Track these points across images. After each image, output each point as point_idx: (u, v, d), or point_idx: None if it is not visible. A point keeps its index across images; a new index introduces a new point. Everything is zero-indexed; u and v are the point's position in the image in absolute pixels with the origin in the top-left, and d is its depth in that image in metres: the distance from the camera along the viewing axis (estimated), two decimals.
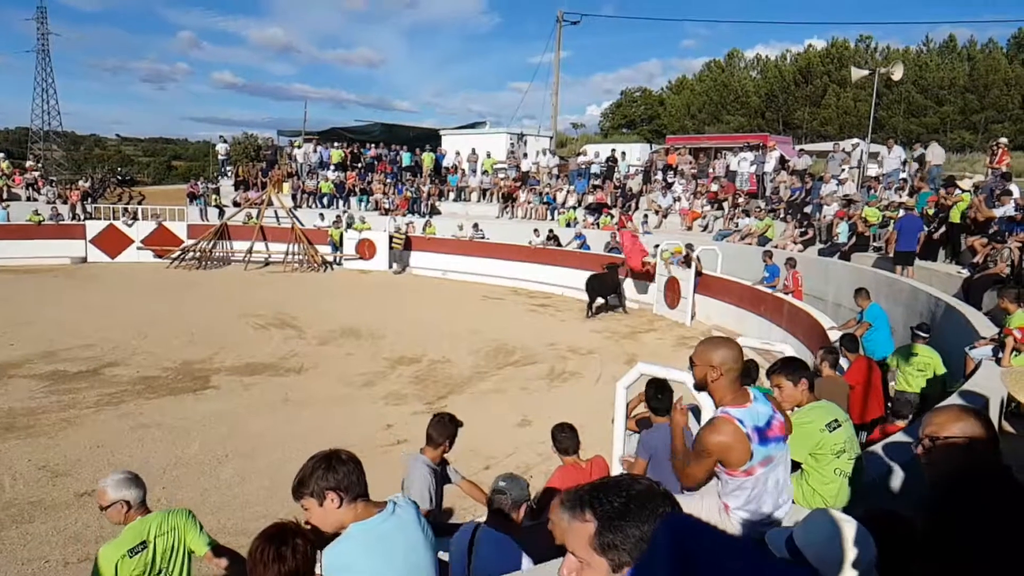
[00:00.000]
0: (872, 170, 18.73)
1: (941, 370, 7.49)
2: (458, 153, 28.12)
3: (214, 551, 3.66)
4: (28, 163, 31.57)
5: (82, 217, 24.60)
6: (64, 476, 7.44)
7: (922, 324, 8.21)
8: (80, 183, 28.99)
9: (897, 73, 20.62)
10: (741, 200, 19.84)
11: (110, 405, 9.69)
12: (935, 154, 16.96)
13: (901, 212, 13.50)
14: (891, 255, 13.07)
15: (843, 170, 18.10)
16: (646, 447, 4.83)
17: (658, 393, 4.98)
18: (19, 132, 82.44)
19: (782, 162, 20.74)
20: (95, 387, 10.42)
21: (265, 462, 7.94)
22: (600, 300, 17.06)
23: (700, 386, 3.06)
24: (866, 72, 22.49)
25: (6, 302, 16.37)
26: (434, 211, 25.48)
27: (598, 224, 21.69)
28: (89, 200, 26.34)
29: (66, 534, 6.28)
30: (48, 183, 27.69)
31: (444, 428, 4.60)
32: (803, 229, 16.53)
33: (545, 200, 24.14)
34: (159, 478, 7.35)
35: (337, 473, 2.56)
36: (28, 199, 25.56)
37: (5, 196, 24.98)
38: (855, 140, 21.76)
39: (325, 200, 26.44)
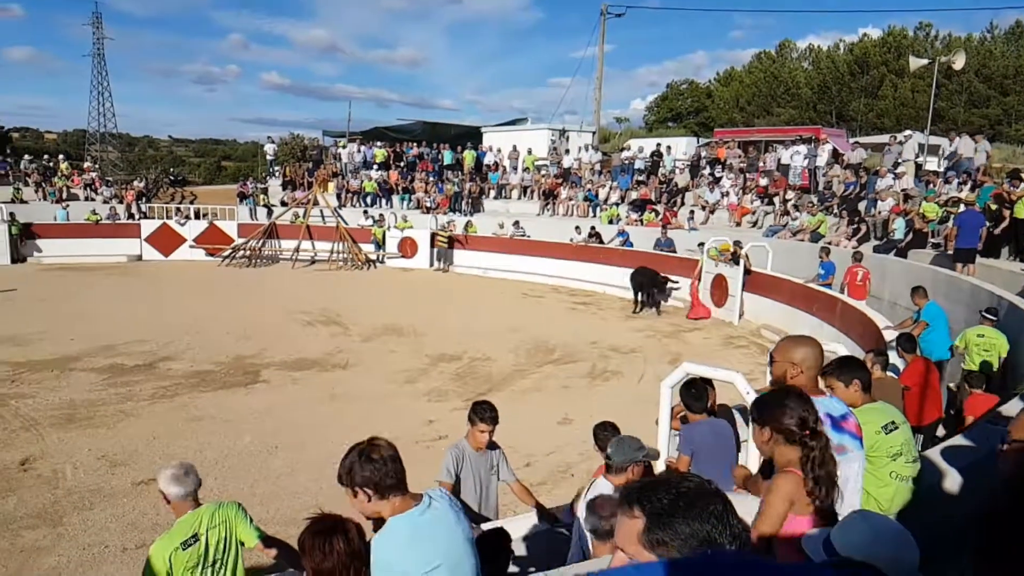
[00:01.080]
0: (932, 164, 18.19)
1: (1005, 351, 8.07)
2: (499, 150, 28.11)
3: (264, 542, 3.71)
4: (86, 164, 32.56)
5: (137, 216, 25.31)
6: (122, 466, 7.66)
7: (990, 308, 8.69)
8: (135, 183, 29.82)
9: (958, 62, 19.99)
10: (792, 195, 19.45)
11: (165, 398, 9.95)
12: (966, 146, 16.46)
13: (962, 207, 13.08)
14: (951, 252, 12.69)
15: (899, 164, 17.61)
16: (688, 442, 4.77)
17: (692, 389, 4.93)
18: (76, 134, 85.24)
19: (835, 155, 20.27)
20: (151, 380, 10.70)
21: (313, 454, 8.06)
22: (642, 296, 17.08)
23: (778, 383, 3.08)
24: (925, 61, 21.90)
25: (66, 298, 16.93)
26: (475, 209, 25.54)
27: (642, 221, 21.49)
28: (143, 200, 27.08)
29: (124, 521, 6.47)
30: (105, 183, 28.53)
31: (480, 411, 4.63)
32: (857, 225, 16.13)
33: (587, 197, 23.99)
34: (212, 468, 7.53)
35: (371, 466, 2.57)
36: (86, 199, 26.37)
37: (64, 196, 25.83)
38: (908, 132, 21.18)
39: (369, 199, 26.71)
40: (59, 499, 6.87)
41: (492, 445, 4.82)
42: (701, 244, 17.36)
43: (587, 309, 17.62)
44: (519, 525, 4.73)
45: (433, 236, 23.10)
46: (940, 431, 7.26)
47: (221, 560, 3.59)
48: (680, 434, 5.01)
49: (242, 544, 3.71)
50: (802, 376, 2.98)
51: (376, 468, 2.57)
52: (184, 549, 3.49)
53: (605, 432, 4.70)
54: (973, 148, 16.69)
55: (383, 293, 18.98)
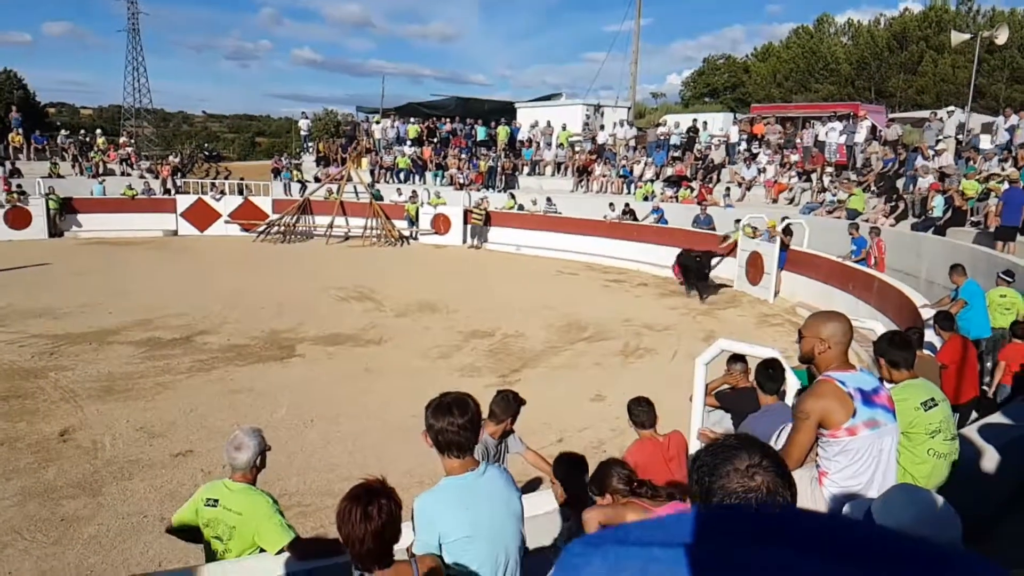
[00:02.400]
0: (982, 141, 17.79)
1: (1023, 308, 9.09)
2: (533, 126, 27.92)
3: (292, 547, 3.52)
4: (121, 139, 32.95)
5: (172, 191, 25.61)
6: (160, 437, 7.82)
7: (1008, 270, 9.51)
8: (170, 159, 30.16)
9: (1002, 37, 19.47)
10: (829, 171, 19.09)
11: (202, 371, 10.12)
12: (974, 124, 16.13)
13: (1005, 184, 12.75)
14: (992, 230, 12.39)
15: (940, 140, 17.20)
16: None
17: (769, 369, 4.86)
18: (112, 109, 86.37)
19: (873, 132, 19.83)
20: (188, 354, 10.88)
21: (347, 428, 8.17)
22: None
23: (806, 358, 3.08)
24: (967, 36, 21.30)
25: (104, 272, 17.25)
26: (509, 185, 25.45)
27: (677, 197, 21.26)
28: (179, 175, 27.39)
29: (162, 492, 6.61)
30: (141, 158, 28.90)
31: (508, 405, 4.60)
32: (894, 202, 15.80)
33: (621, 173, 23.76)
34: None
35: (439, 421, 2.67)
36: (122, 174, 26.75)
37: (101, 171, 26.23)
38: (951, 108, 20.66)
39: (402, 175, 26.76)
40: (98, 469, 7.02)
41: None
42: (738, 221, 17.16)
43: (620, 286, 17.52)
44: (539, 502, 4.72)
45: (467, 213, 23.09)
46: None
47: (223, 541, 3.57)
48: (742, 425, 4.94)
49: (263, 549, 3.56)
50: (829, 352, 2.96)
51: (441, 425, 2.66)
52: (205, 505, 3.62)
53: (640, 407, 4.69)
54: (981, 124, 16.40)
55: (416, 269, 19.05)
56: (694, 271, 16.14)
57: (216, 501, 3.59)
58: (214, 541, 3.59)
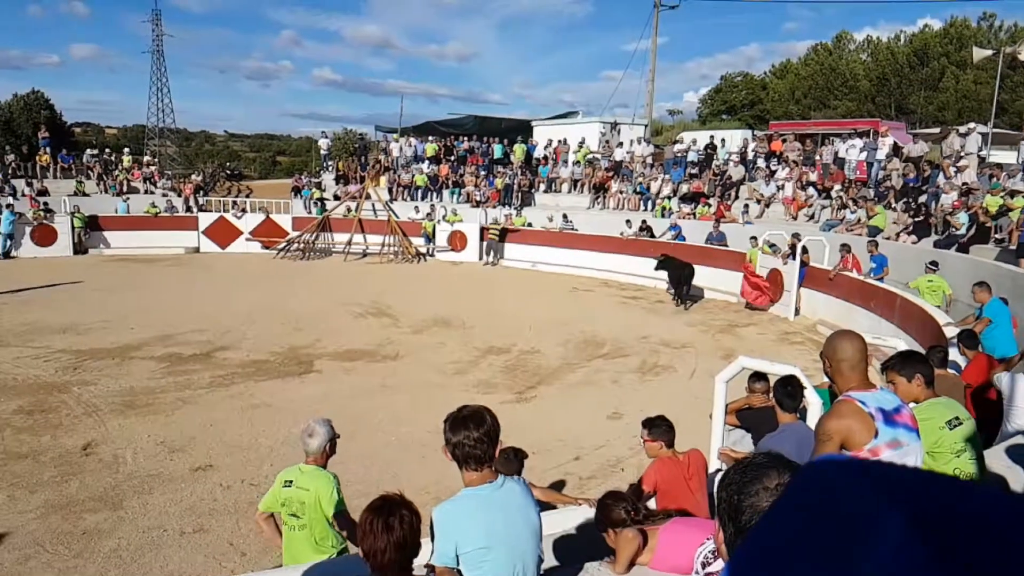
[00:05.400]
0: (997, 157, 17.65)
1: (948, 291, 11.21)
2: (549, 143, 27.99)
3: (338, 519, 4.08)
4: (145, 158, 33.42)
5: (195, 209, 25.90)
6: (180, 452, 7.86)
7: (933, 261, 11.65)
8: (192, 177, 30.52)
9: None
10: (849, 188, 18.97)
11: (222, 386, 10.18)
12: (957, 143, 16.17)
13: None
14: (1014, 247, 12.25)
15: (962, 157, 17.05)
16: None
17: (787, 386, 4.81)
18: (136, 129, 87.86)
19: (895, 149, 19.70)
20: (208, 369, 10.95)
21: (364, 443, 8.16)
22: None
23: (829, 379, 3.10)
24: (989, 52, 21.21)
25: (126, 289, 17.45)
26: (525, 203, 25.49)
27: (694, 214, 21.20)
28: (201, 193, 27.70)
29: (182, 506, 6.64)
30: (163, 177, 29.28)
31: (508, 463, 4.59)
32: (917, 219, 15.65)
33: (638, 190, 23.75)
34: (268, 455, 7.69)
35: (457, 436, 2.71)
36: (145, 192, 27.13)
37: (125, 189, 26.61)
38: (971, 124, 20.48)
39: (419, 193, 26.90)
40: (119, 483, 7.07)
41: None
42: (753, 238, 17.09)
43: (637, 303, 17.46)
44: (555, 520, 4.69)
45: (483, 230, 23.16)
46: None
47: (299, 517, 4.03)
48: (760, 444, 4.90)
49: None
50: (841, 371, 2.94)
51: (458, 439, 2.70)
52: (283, 487, 4.10)
53: (658, 428, 4.65)
54: (961, 144, 16.64)
55: (433, 286, 19.11)
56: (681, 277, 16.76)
57: (291, 482, 4.07)
58: (290, 518, 4.07)
